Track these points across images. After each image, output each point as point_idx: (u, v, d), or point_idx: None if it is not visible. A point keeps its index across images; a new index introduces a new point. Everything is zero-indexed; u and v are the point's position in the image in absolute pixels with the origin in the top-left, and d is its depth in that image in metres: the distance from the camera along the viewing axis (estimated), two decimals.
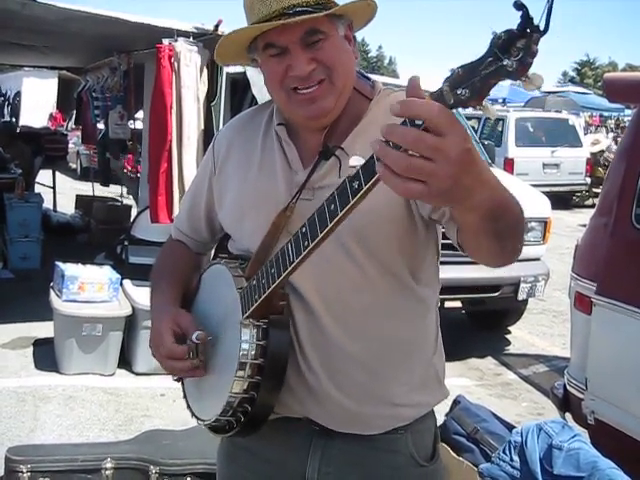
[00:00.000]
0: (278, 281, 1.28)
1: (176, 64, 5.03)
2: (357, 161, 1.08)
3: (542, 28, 0.87)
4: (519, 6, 0.87)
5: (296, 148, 1.46)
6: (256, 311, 1.35)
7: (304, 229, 1.19)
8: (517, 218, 1.18)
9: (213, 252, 1.81)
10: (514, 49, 0.88)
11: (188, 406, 1.57)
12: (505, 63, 0.89)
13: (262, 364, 1.35)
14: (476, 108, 0.94)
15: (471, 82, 0.91)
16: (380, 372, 1.44)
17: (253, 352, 1.35)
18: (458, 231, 1.26)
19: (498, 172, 7.15)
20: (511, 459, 2.65)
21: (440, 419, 3.16)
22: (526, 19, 0.87)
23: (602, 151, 16.01)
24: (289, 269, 1.24)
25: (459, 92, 0.92)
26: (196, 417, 1.52)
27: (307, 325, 1.41)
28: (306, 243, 1.18)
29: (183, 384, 1.61)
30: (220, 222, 1.61)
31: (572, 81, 50.88)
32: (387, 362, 1.45)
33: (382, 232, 1.35)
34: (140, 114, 8.20)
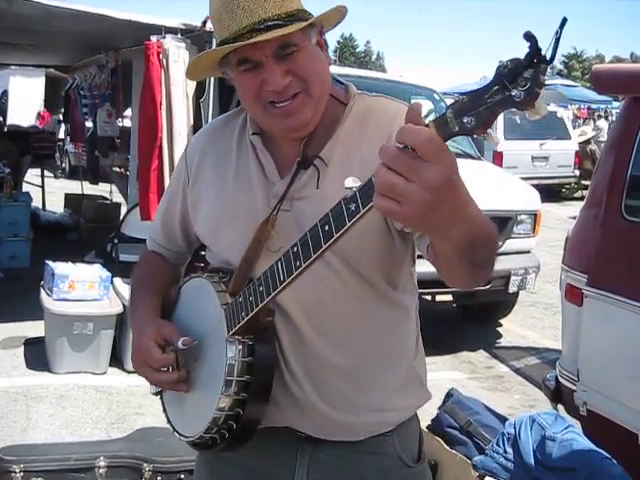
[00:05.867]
0: (267, 299, 1.27)
1: (165, 61, 5.00)
2: (353, 182, 1.05)
3: (549, 58, 0.87)
4: (529, 37, 0.88)
5: (272, 158, 1.45)
6: (242, 328, 1.33)
7: (295, 248, 1.17)
8: (493, 249, 1.19)
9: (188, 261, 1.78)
10: (521, 79, 0.88)
11: (168, 421, 1.55)
12: (513, 94, 0.89)
13: (248, 381, 1.34)
14: (480, 136, 0.94)
15: (477, 111, 0.92)
16: (364, 380, 1.44)
17: (239, 369, 1.33)
18: (432, 253, 1.22)
19: (488, 165, 7.23)
20: (505, 451, 2.65)
21: (433, 412, 3.20)
22: (535, 50, 0.87)
23: (588, 140, 16.05)
24: (279, 288, 1.23)
25: (465, 120, 0.92)
26: (177, 432, 1.50)
27: (289, 336, 1.40)
28: (298, 263, 1.17)
29: (162, 398, 1.59)
30: (196, 233, 1.58)
31: (560, 74, 50.96)
32: (370, 370, 1.44)
33: (359, 243, 1.33)
34: (128, 112, 8.16)
